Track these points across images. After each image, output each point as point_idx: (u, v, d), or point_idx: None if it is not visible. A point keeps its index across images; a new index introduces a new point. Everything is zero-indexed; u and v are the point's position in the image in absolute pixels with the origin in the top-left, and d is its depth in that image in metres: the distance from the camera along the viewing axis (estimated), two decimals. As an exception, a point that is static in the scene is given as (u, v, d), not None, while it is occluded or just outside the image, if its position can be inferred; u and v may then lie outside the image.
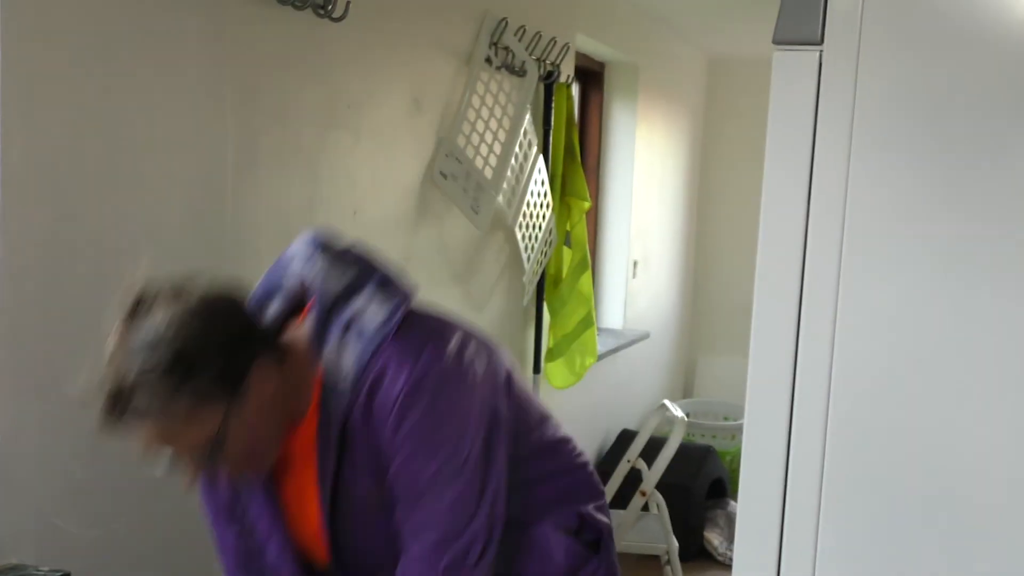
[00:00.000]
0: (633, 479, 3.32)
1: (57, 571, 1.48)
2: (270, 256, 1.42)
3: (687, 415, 4.51)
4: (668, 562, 3.39)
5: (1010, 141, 0.99)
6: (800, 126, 1.09)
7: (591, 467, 1.55)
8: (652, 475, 3.21)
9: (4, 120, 1.48)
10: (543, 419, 1.48)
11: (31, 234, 1.56)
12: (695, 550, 3.96)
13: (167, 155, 1.81)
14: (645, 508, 3.31)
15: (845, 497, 1.05)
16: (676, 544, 3.39)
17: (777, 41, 1.11)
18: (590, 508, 1.47)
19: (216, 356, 1.18)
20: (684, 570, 3.47)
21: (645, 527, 3.41)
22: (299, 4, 2.05)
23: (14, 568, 1.48)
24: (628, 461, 3.29)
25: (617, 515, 3.37)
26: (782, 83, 1.11)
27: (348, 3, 2.16)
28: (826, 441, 1.06)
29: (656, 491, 3.25)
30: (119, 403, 1.13)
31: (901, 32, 1.05)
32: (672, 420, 3.27)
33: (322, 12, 2.13)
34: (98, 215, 1.68)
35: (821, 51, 1.08)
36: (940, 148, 1.03)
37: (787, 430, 1.08)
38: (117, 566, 1.74)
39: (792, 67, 1.10)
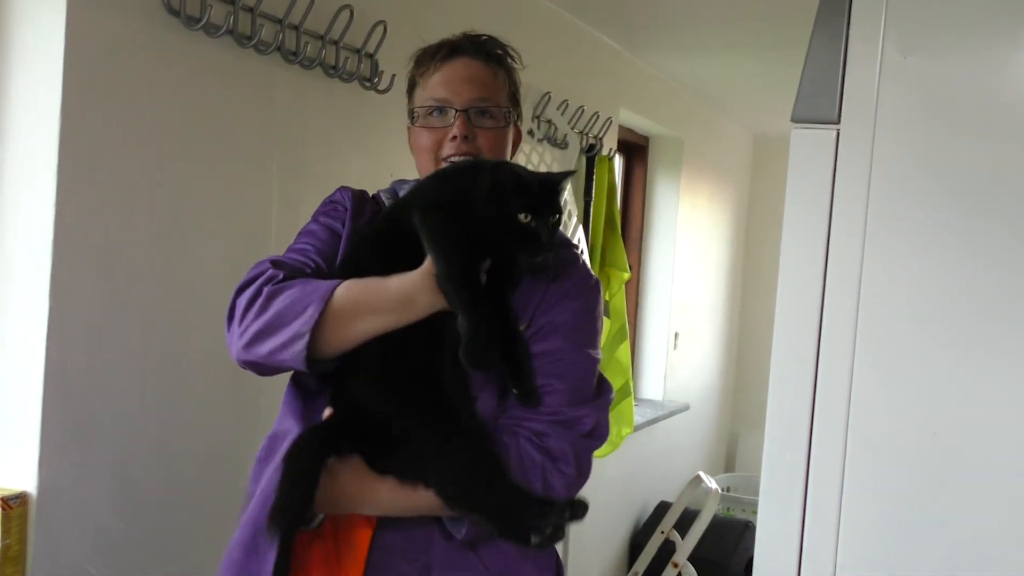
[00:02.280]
0: (667, 551, 3.27)
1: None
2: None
3: (727, 489, 4.45)
4: (702, 639, 3.33)
5: (1019, 223, 1.00)
6: (817, 203, 1.12)
7: None
8: (685, 546, 3.17)
9: (60, 186, 1.56)
10: None
11: (80, 298, 1.63)
12: (732, 628, 3.87)
13: (213, 223, 1.88)
14: (679, 582, 3.26)
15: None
16: (710, 621, 3.33)
17: (796, 119, 1.15)
18: None
19: None
20: (719, 649, 3.40)
21: (679, 602, 3.35)
22: (346, 76, 2.14)
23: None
24: (662, 532, 3.26)
25: (650, 588, 3.33)
26: (800, 160, 1.14)
27: (393, 76, 2.25)
28: (840, 522, 1.06)
29: (689, 564, 3.20)
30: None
31: (916, 113, 1.07)
32: (707, 492, 3.23)
33: (368, 84, 2.21)
34: (146, 282, 1.75)
35: (838, 130, 1.11)
36: (955, 228, 1.04)
37: (802, 507, 1.08)
38: (147, 617, 1.77)
39: (810, 145, 1.14)
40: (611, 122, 3.57)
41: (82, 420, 1.65)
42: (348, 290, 1.23)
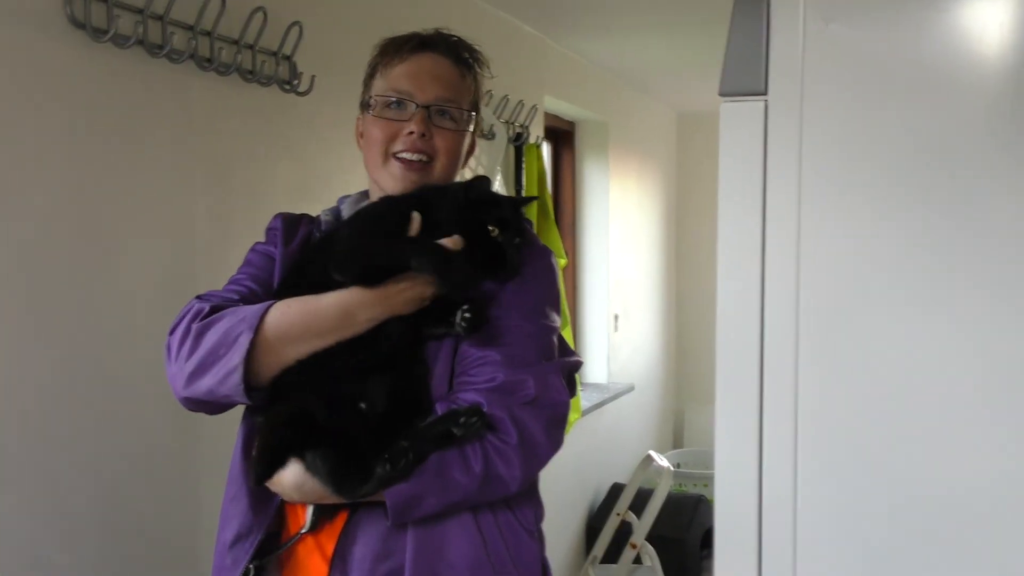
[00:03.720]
0: (624, 533, 3.29)
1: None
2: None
3: (678, 465, 4.50)
4: (665, 616, 3.36)
5: (955, 180, 1.02)
6: (750, 175, 1.12)
7: None
8: (642, 527, 3.19)
9: (-27, 208, 1.50)
10: None
11: (2, 317, 1.57)
12: (693, 602, 3.92)
13: (138, 235, 1.82)
14: (637, 561, 3.28)
15: (819, 539, 1.05)
16: (672, 597, 3.36)
17: (723, 93, 1.14)
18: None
19: None
20: (682, 623, 3.43)
21: (640, 582, 3.37)
22: (264, 80, 2.09)
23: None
24: (617, 514, 3.27)
25: (609, 569, 3.34)
26: (730, 134, 1.14)
27: (313, 77, 2.21)
28: (797, 488, 1.06)
29: (648, 543, 3.23)
30: None
31: (842, 78, 1.08)
32: (659, 471, 3.26)
33: (288, 87, 2.17)
34: (69, 298, 1.69)
35: (766, 101, 1.11)
36: (887, 189, 1.05)
37: (758, 475, 1.09)
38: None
39: (739, 118, 1.13)
40: (536, 110, 3.56)
41: (14, 452, 1.59)
42: (282, 313, 1.19)
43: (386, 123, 1.32)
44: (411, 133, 1.30)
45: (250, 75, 2.05)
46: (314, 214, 1.45)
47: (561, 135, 4.47)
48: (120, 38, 1.72)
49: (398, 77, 1.33)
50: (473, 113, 1.38)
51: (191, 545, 1.96)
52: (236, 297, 1.29)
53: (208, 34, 1.93)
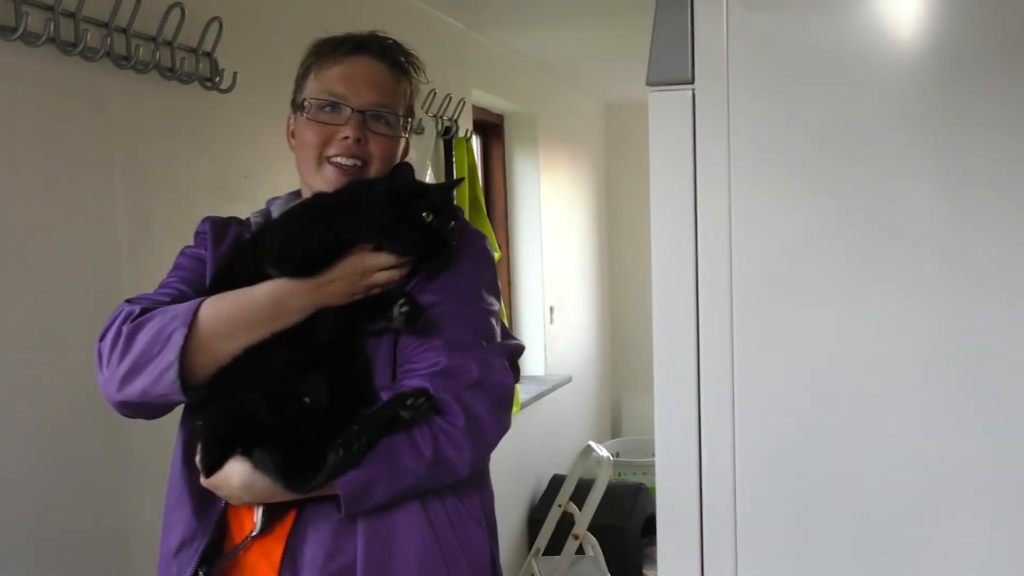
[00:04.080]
0: (566, 524, 3.31)
1: None
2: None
3: (617, 454, 4.54)
4: (609, 604, 3.38)
5: (877, 167, 1.04)
6: (680, 163, 1.12)
7: None
8: (583, 517, 3.21)
9: None
10: None
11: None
12: (635, 589, 3.96)
13: (57, 237, 1.76)
14: (580, 551, 3.30)
15: (758, 523, 1.07)
16: (615, 585, 3.38)
17: (651, 82, 1.15)
18: None
19: None
20: (626, 610, 3.46)
21: (582, 571, 3.39)
22: (184, 78, 2.04)
23: None
24: (559, 505, 3.29)
25: (552, 561, 3.36)
26: (659, 123, 1.14)
27: (235, 74, 2.16)
28: (735, 471, 1.08)
29: (589, 533, 3.25)
30: None
31: (766, 65, 1.09)
32: (599, 461, 3.28)
33: (209, 84, 2.11)
34: (-13, 307, 1.62)
35: (694, 89, 1.11)
36: (814, 175, 1.07)
37: (697, 462, 1.10)
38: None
39: (667, 107, 1.14)
40: (464, 103, 3.55)
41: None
42: (214, 308, 1.19)
43: (320, 126, 1.30)
44: (346, 138, 1.29)
45: (170, 73, 1.99)
46: (240, 214, 1.42)
47: (490, 128, 4.46)
48: (30, 36, 1.65)
49: (333, 80, 1.31)
50: (408, 118, 1.37)
51: (125, 554, 1.90)
52: (167, 299, 1.28)
53: (124, 31, 1.87)
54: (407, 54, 1.38)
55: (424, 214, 1.23)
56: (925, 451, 1.01)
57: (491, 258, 1.36)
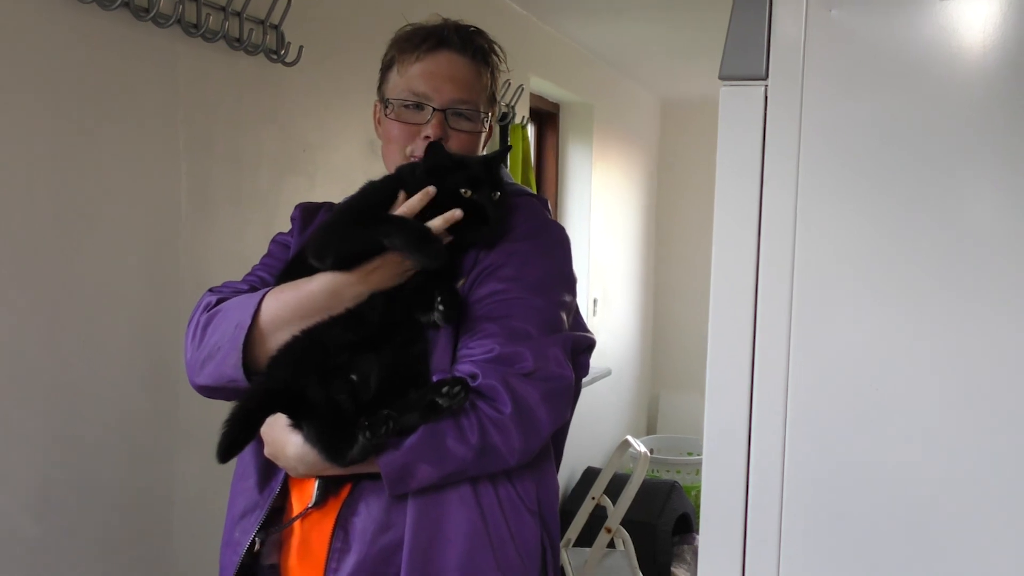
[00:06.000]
0: (598, 517, 3.30)
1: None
2: (225, 300, 1.41)
3: (651, 451, 4.52)
4: (636, 600, 3.37)
5: (953, 173, 1.01)
6: (748, 159, 1.10)
7: None
8: (617, 511, 3.20)
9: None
10: None
11: (-20, 284, 1.54)
12: (663, 587, 3.94)
13: (119, 202, 1.79)
14: (611, 545, 3.29)
15: (805, 527, 1.05)
16: (643, 581, 3.37)
17: (723, 77, 1.13)
18: None
19: None
20: (652, 607, 3.45)
21: (612, 564, 3.39)
22: (251, 49, 2.05)
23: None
24: (592, 498, 3.28)
25: (583, 552, 3.36)
26: (729, 118, 1.13)
27: (301, 48, 2.17)
28: (784, 473, 1.06)
29: (622, 528, 3.24)
30: None
31: (843, 65, 1.07)
32: (635, 456, 3.27)
33: (275, 57, 2.13)
34: (52, 266, 1.65)
35: (766, 85, 1.10)
36: (886, 179, 1.05)
37: (745, 466, 1.08)
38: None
39: (738, 102, 1.12)
40: (522, 90, 3.54)
41: (-11, 422, 1.56)
42: (275, 299, 1.24)
43: (403, 125, 1.34)
44: (427, 137, 1.31)
45: (237, 43, 2.01)
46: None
47: (546, 116, 4.45)
48: (105, 0, 1.68)
49: (415, 78, 1.33)
50: (488, 112, 1.38)
51: (166, 515, 1.94)
52: (246, 287, 1.35)
53: (195, 0, 1.89)
54: (489, 43, 1.38)
55: (462, 190, 1.23)
56: (987, 471, 0.99)
57: (566, 250, 1.35)
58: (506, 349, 1.20)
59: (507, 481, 1.24)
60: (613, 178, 4.89)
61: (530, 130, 3.77)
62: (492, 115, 1.40)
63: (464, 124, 1.33)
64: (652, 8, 3.56)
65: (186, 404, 1.94)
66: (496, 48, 1.40)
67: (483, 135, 1.38)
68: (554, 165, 4.54)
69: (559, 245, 1.33)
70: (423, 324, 1.25)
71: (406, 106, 1.33)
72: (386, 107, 1.36)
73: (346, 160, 2.50)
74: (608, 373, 4.67)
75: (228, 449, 1.16)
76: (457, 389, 1.15)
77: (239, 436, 1.17)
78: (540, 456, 1.29)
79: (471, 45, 1.35)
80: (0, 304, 1.57)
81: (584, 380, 4.28)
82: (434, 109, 1.31)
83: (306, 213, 1.44)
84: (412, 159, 1.33)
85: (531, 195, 1.39)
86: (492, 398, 1.18)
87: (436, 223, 1.21)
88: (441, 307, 1.21)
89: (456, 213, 1.21)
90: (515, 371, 1.19)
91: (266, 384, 1.20)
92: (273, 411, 1.20)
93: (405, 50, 1.34)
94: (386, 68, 1.38)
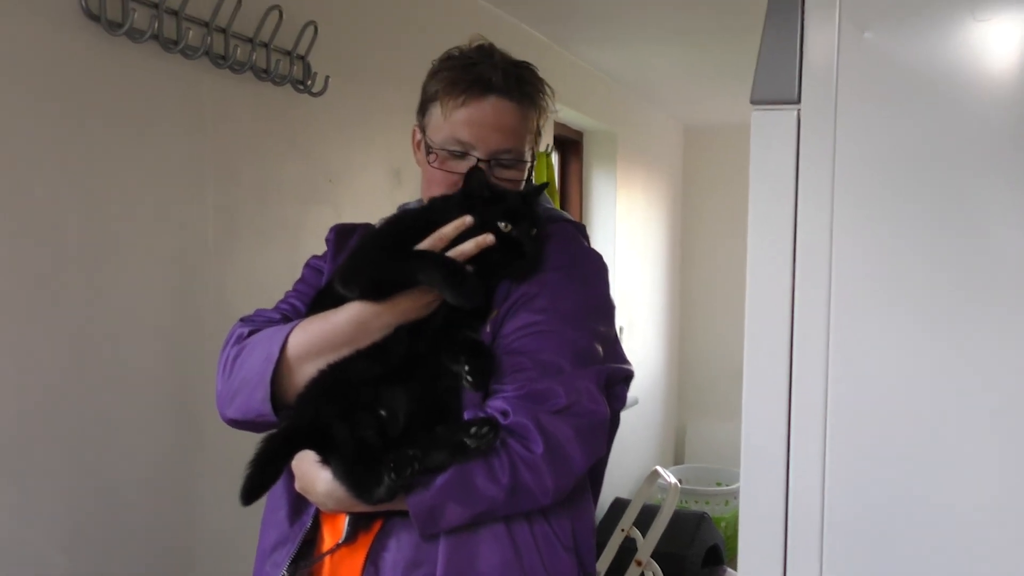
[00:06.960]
0: (628, 549, 3.25)
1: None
2: (252, 330, 1.40)
3: (679, 481, 4.46)
4: (666, 633, 3.31)
5: (988, 197, 0.99)
6: (781, 184, 1.09)
7: None
8: (647, 544, 3.15)
9: (-19, 201, 1.47)
10: None
11: (6, 316, 1.54)
12: (693, 620, 3.87)
13: (147, 231, 1.79)
14: (641, 578, 3.24)
15: (847, 555, 1.02)
16: (674, 614, 3.31)
17: (755, 101, 1.11)
18: None
19: None
20: (683, 641, 3.39)
21: (641, 598, 3.33)
22: (278, 80, 2.06)
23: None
24: (622, 530, 3.23)
25: (612, 586, 3.31)
26: (762, 142, 1.11)
27: (327, 78, 2.18)
28: (824, 502, 1.03)
29: (652, 560, 3.19)
30: None
31: (877, 87, 1.05)
32: (665, 487, 3.22)
33: (301, 87, 2.14)
34: (78, 293, 1.66)
35: (799, 109, 1.08)
36: (923, 202, 1.03)
37: (784, 495, 1.06)
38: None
39: (771, 126, 1.10)
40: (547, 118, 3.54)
41: (13, 449, 1.55)
42: (303, 331, 1.22)
43: (447, 174, 1.29)
44: None
45: (264, 74, 2.02)
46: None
47: (570, 144, 4.45)
48: (135, 32, 1.69)
49: (459, 125, 1.28)
50: (532, 158, 1.34)
51: (189, 546, 1.92)
52: (278, 317, 1.33)
53: (223, 31, 1.90)
54: (537, 84, 1.34)
55: (501, 224, 1.20)
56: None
57: (604, 280, 1.32)
58: (538, 385, 1.17)
59: (542, 518, 1.21)
60: (637, 205, 4.87)
61: (554, 158, 3.77)
62: (534, 154, 1.36)
63: (507, 173, 1.29)
64: (675, 36, 3.56)
65: (211, 437, 1.93)
66: (546, 88, 1.35)
67: (524, 179, 1.34)
68: (578, 192, 4.54)
69: (595, 274, 1.31)
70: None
71: (451, 154, 1.29)
72: (428, 152, 1.32)
73: (371, 189, 2.50)
74: (635, 402, 4.63)
75: (252, 492, 1.14)
76: (486, 430, 1.12)
77: (263, 478, 1.16)
78: (576, 490, 1.26)
79: (517, 88, 1.30)
80: (28, 336, 1.57)
81: (613, 410, 4.14)
82: (478, 160, 1.27)
83: (340, 235, 1.41)
84: None
85: (567, 220, 1.37)
86: (523, 436, 1.15)
87: (468, 247, 1.18)
88: (470, 378, 1.17)
89: (488, 238, 1.18)
90: (547, 408, 1.16)
91: (292, 422, 1.19)
92: (299, 449, 1.18)
93: (450, 92, 1.29)
94: (429, 100, 1.33)
